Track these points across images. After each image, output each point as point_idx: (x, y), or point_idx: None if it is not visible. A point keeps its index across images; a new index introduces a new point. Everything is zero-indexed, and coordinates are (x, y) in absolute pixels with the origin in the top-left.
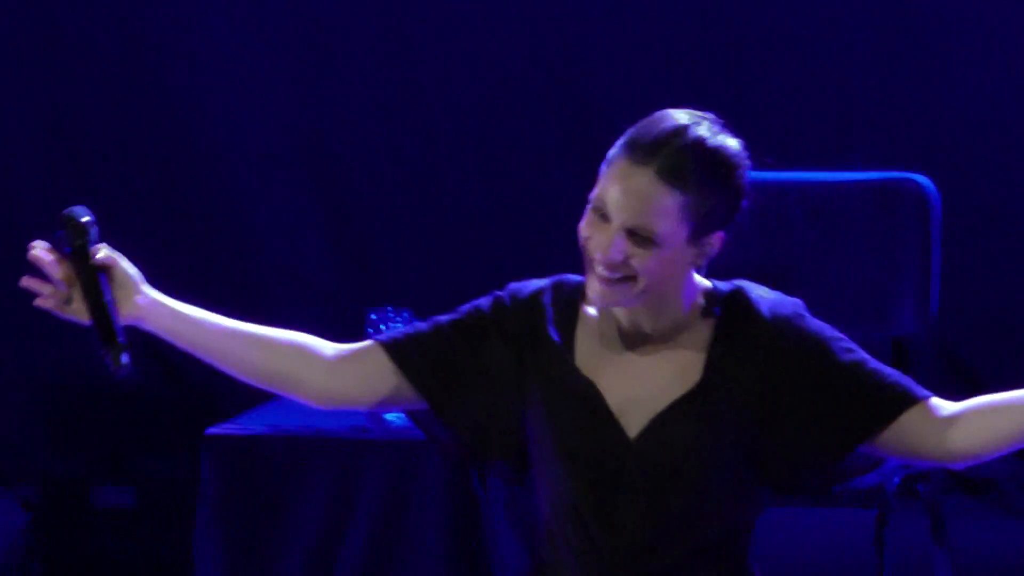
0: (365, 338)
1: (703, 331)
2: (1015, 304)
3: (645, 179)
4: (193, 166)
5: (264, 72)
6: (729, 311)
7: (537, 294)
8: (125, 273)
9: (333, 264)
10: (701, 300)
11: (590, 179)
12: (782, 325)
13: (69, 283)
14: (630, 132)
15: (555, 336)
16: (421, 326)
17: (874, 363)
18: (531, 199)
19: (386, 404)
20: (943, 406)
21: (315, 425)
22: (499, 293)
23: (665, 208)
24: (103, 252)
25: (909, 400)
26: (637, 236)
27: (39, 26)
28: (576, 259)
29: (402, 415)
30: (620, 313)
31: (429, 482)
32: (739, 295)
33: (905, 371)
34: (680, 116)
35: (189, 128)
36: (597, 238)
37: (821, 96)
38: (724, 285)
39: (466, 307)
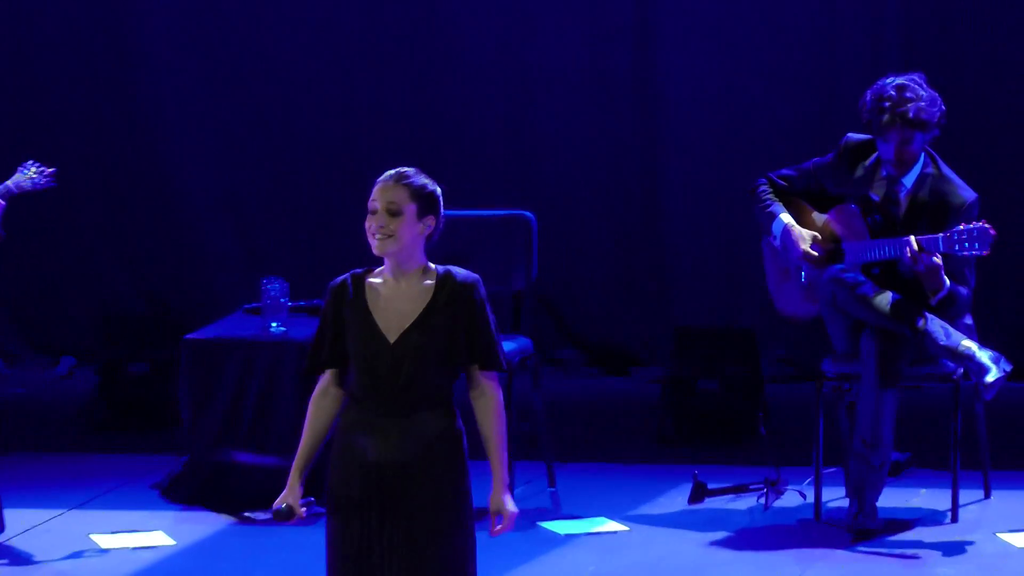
0: (260, 294)
1: (430, 283)
2: (574, 278)
3: (391, 183)
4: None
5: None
6: (442, 274)
7: (342, 281)
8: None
9: (240, 250)
10: (431, 267)
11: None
12: (466, 284)
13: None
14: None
15: (352, 296)
16: (320, 331)
17: (491, 326)
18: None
19: None
20: (482, 382)
21: (231, 332)
22: (328, 288)
23: (401, 195)
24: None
25: (473, 357)
26: (390, 212)
27: None
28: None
29: (282, 325)
30: (390, 266)
31: (291, 368)
32: (447, 268)
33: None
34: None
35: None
36: (372, 222)
37: (473, 154)
38: (440, 266)
39: (324, 305)
